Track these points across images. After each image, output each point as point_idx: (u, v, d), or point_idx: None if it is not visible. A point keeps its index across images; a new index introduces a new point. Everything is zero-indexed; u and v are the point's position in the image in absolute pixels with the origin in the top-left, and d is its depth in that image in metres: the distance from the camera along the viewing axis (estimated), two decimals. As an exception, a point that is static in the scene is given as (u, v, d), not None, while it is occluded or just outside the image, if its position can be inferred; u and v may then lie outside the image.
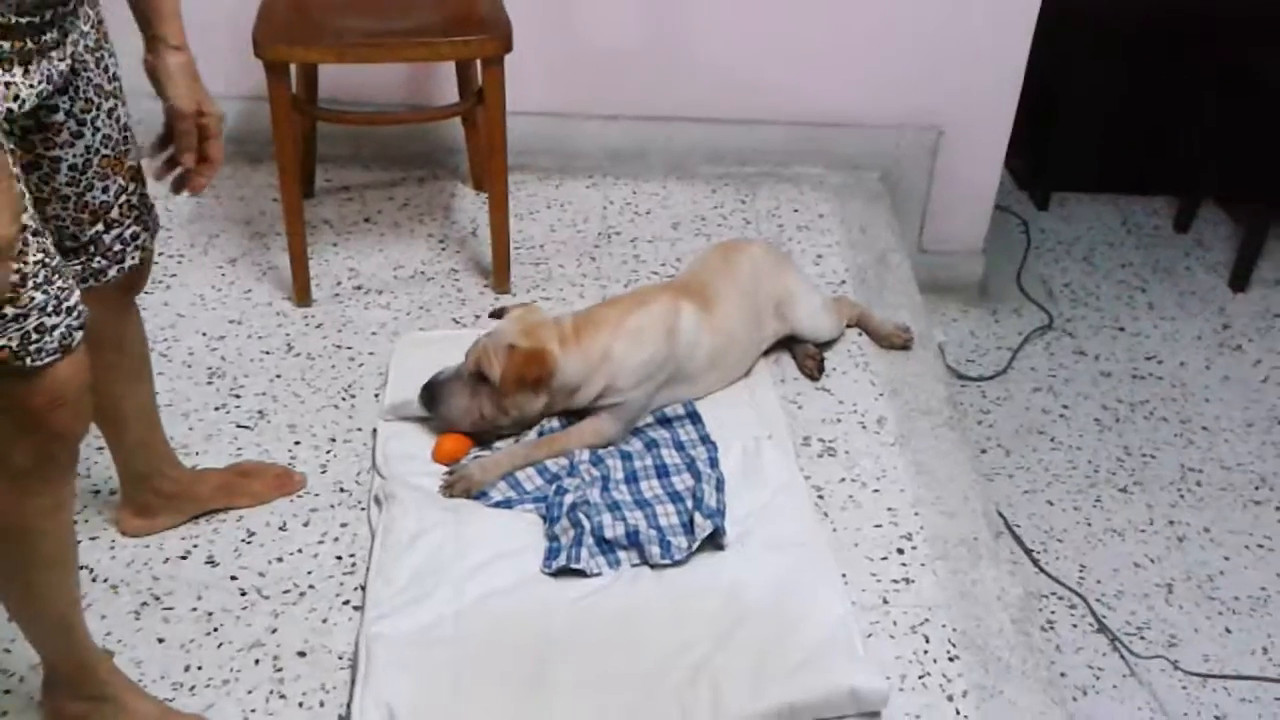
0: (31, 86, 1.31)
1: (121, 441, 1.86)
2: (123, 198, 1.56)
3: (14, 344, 1.24)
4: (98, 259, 1.58)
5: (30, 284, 1.24)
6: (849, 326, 2.47)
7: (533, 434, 2.10)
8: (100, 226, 1.55)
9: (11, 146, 1.37)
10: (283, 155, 2.34)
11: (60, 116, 1.43)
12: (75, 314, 1.30)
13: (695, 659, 1.72)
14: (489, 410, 2.04)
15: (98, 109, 1.47)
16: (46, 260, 1.27)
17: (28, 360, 1.25)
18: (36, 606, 1.49)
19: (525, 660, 1.71)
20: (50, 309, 1.26)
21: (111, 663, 1.61)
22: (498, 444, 2.09)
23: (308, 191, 2.78)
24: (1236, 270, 3.40)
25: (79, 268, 1.56)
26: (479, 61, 2.42)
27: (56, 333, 1.27)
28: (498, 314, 2.14)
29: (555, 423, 2.12)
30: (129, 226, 1.60)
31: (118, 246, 1.59)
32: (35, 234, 1.26)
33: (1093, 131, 3.57)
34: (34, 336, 1.25)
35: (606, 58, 2.92)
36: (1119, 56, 3.42)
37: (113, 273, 1.60)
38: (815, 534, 1.96)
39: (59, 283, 1.28)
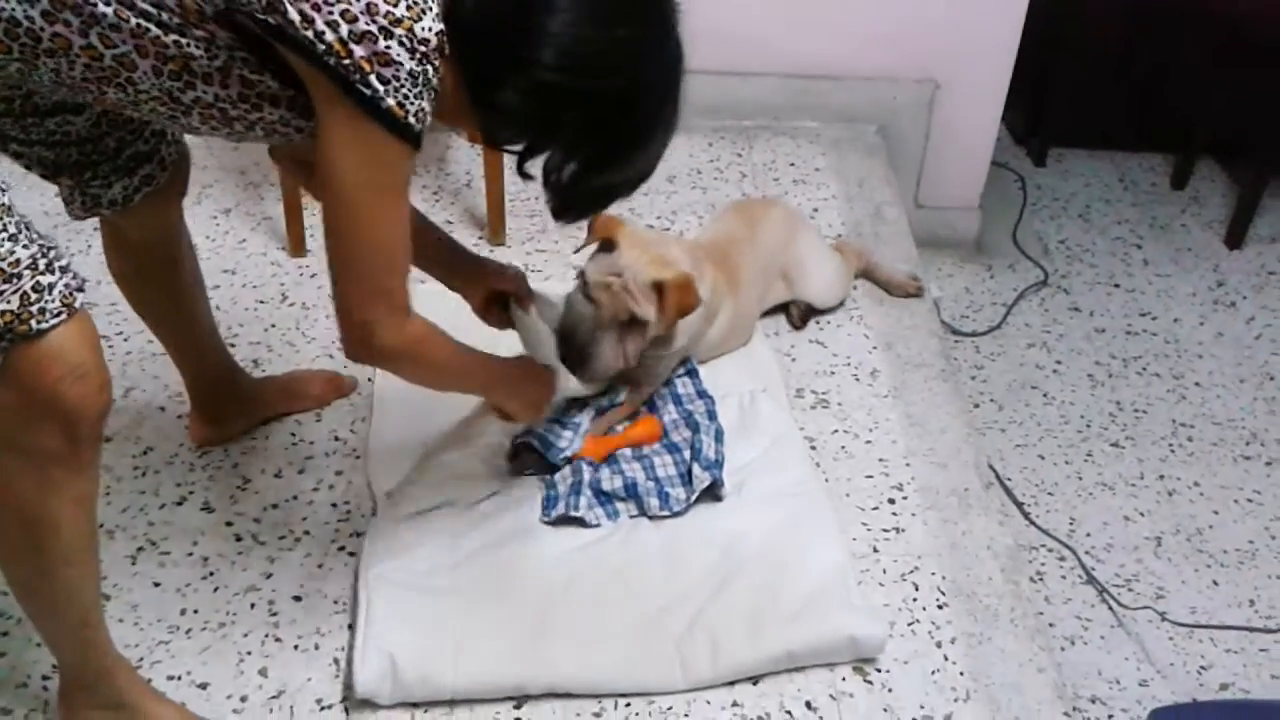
0: None
1: (191, 350, 1.93)
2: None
3: (14, 306, 1.18)
4: (145, 166, 1.63)
5: (5, 237, 1.19)
6: (856, 276, 2.47)
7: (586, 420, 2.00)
8: (123, 133, 1.58)
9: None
10: (277, 104, 2.33)
11: None
12: (71, 273, 1.25)
13: (694, 608, 1.73)
14: (633, 351, 1.92)
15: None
16: (11, 217, 1.21)
17: (33, 323, 1.20)
18: (56, 606, 1.43)
19: (525, 610, 1.72)
20: (41, 266, 1.21)
21: (131, 669, 1.57)
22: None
23: (302, 142, 2.76)
24: (1232, 227, 3.40)
25: (132, 182, 1.62)
26: (474, 10, 2.40)
27: (56, 291, 1.22)
28: (606, 246, 1.93)
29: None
30: (147, 131, 1.62)
31: (145, 147, 1.63)
32: None
33: (1091, 88, 3.56)
34: (32, 297, 1.19)
35: (603, 9, 2.89)
36: (1117, 12, 3.40)
37: (161, 176, 1.66)
38: (811, 484, 1.97)
39: (39, 240, 1.23)
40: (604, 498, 1.90)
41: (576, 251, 1.96)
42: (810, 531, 1.87)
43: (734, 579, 1.78)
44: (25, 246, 1.20)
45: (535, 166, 1.45)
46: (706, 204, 2.70)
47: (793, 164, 2.89)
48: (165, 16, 1.25)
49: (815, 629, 1.70)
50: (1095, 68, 3.50)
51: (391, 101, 1.25)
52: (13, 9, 1.22)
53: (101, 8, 1.23)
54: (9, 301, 1.18)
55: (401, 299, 1.42)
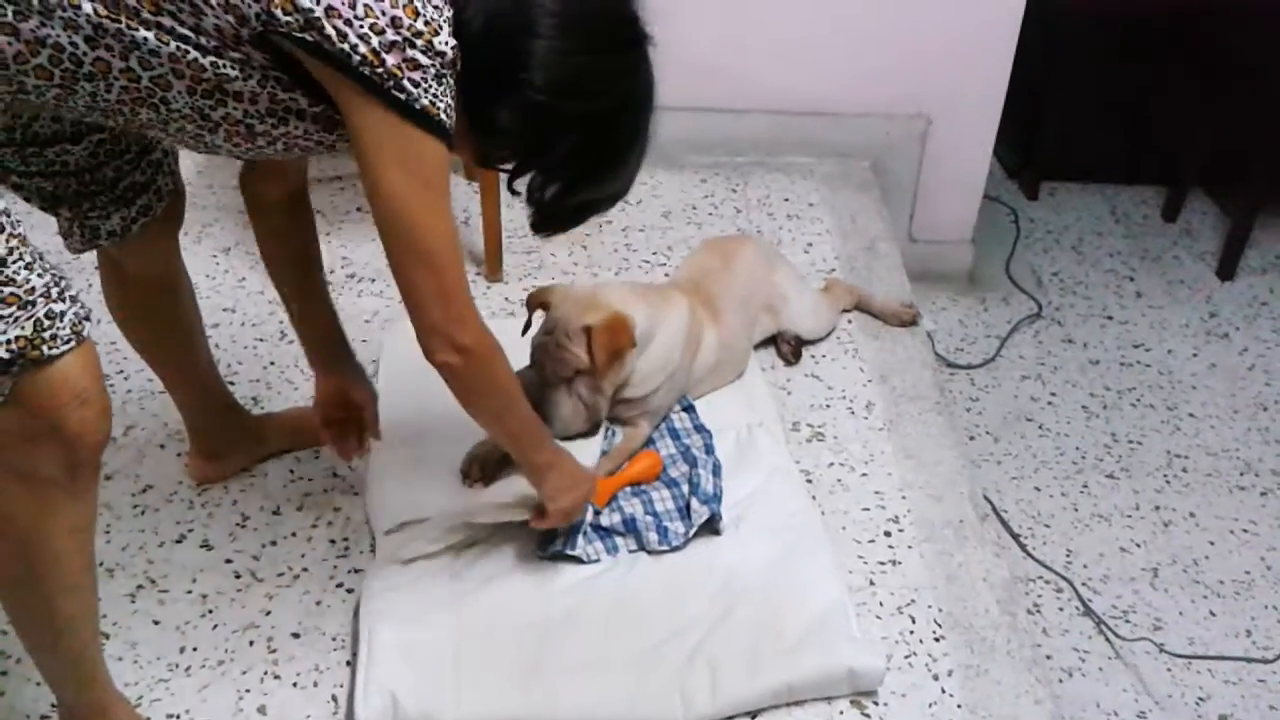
0: None
1: (190, 386, 1.94)
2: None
3: (28, 332, 1.22)
4: (142, 196, 1.65)
5: (21, 265, 1.22)
6: (848, 311, 2.49)
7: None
8: (120, 163, 1.60)
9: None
10: (276, 144, 2.35)
11: None
12: (79, 303, 1.28)
13: (694, 642, 1.74)
14: (590, 399, 1.98)
15: None
16: (27, 247, 1.25)
17: (45, 349, 1.23)
18: (53, 636, 1.44)
19: (525, 644, 1.73)
20: (54, 294, 1.25)
21: (130, 707, 1.58)
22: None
23: (301, 181, 2.79)
24: (1224, 259, 3.43)
25: (130, 213, 1.65)
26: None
27: (67, 319, 1.25)
28: (535, 306, 2.03)
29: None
30: (143, 161, 1.64)
31: (141, 178, 1.65)
32: (5, 214, 1.24)
33: (1082, 121, 3.59)
34: (45, 323, 1.23)
35: (597, 48, 2.93)
36: (1107, 46, 3.44)
37: (158, 206, 1.68)
38: (808, 517, 1.98)
39: (51, 270, 1.27)
40: (603, 533, 1.91)
41: (524, 334, 2.01)
42: (808, 564, 1.87)
43: (733, 612, 1.78)
44: (40, 275, 1.24)
45: (523, 183, 1.53)
46: (701, 239, 2.71)
47: (787, 199, 2.92)
48: (203, 40, 1.30)
49: (814, 661, 1.70)
50: (1086, 102, 3.54)
51: (425, 101, 1.33)
52: (58, 36, 1.26)
53: (142, 33, 1.27)
54: (24, 327, 1.22)
55: (468, 296, 1.48)
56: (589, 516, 1.89)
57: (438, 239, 1.41)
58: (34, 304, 1.22)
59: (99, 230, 1.65)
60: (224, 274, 2.55)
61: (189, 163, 1.74)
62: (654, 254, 2.69)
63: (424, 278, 1.42)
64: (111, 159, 1.59)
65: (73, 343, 1.26)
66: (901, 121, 3.03)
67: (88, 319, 1.29)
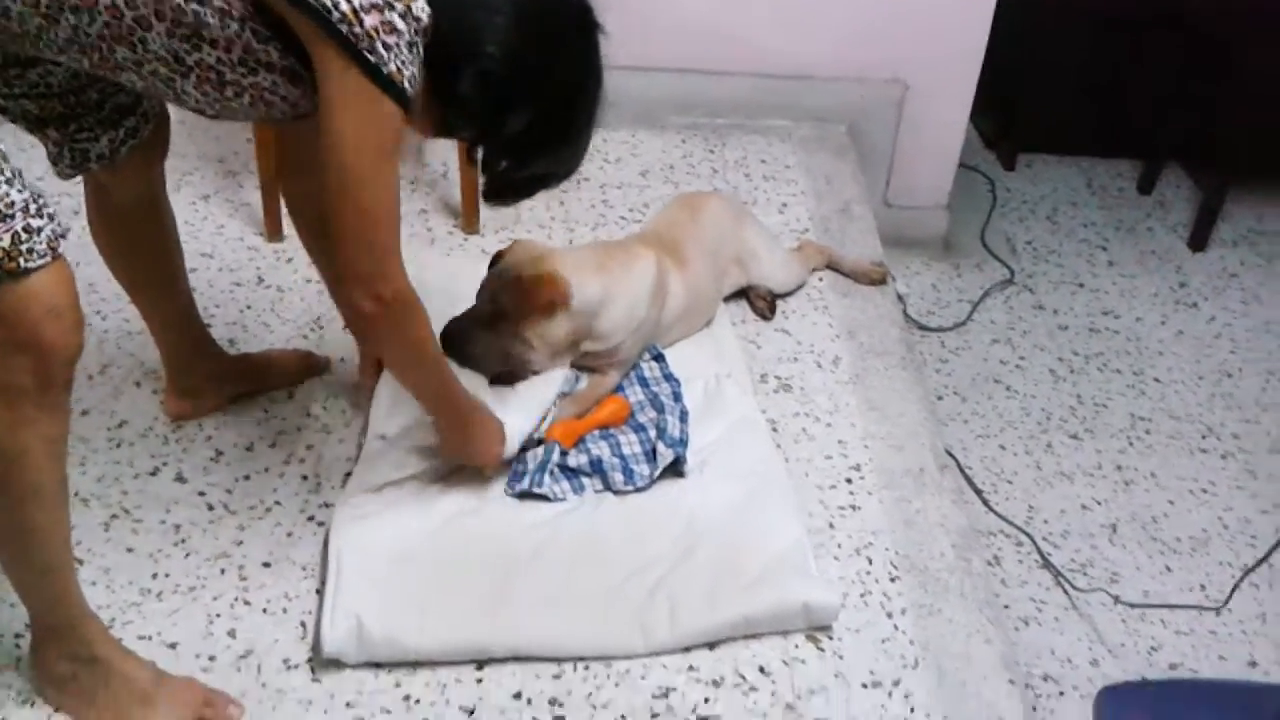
0: None
1: (170, 319, 1.99)
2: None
3: (6, 245, 1.24)
4: (129, 118, 1.69)
5: (1, 180, 1.25)
6: (818, 270, 2.53)
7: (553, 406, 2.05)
8: (104, 84, 1.63)
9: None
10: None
11: None
12: (56, 220, 1.31)
13: (655, 578, 1.78)
14: (513, 346, 1.99)
15: None
16: (7, 163, 1.28)
17: (21, 261, 1.26)
18: (28, 549, 1.47)
19: (490, 576, 1.77)
20: (33, 210, 1.28)
21: (102, 625, 1.60)
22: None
23: (282, 133, 2.81)
24: (1196, 231, 3.48)
25: (118, 135, 1.69)
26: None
27: (44, 234, 1.28)
28: (497, 258, 2.10)
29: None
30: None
31: (126, 99, 1.68)
32: None
33: (1061, 94, 3.64)
34: (23, 237, 1.26)
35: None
36: (1086, 19, 3.48)
37: (145, 129, 1.72)
38: (772, 463, 2.02)
39: (30, 188, 1.30)
40: (570, 473, 1.95)
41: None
42: (769, 507, 1.92)
43: (694, 551, 1.83)
44: (19, 191, 1.27)
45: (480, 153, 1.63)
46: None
47: (763, 161, 2.96)
48: None
49: (771, 596, 1.75)
50: (1065, 75, 3.58)
51: (393, 67, 1.40)
52: None
53: None
54: (1, 240, 1.25)
55: (398, 255, 1.54)
56: (555, 457, 1.93)
57: (380, 196, 1.48)
58: (12, 218, 1.25)
59: (88, 153, 1.68)
60: (203, 220, 2.58)
61: (170, 112, 1.77)
62: (630, 210, 2.73)
63: (360, 230, 1.48)
64: (95, 80, 1.62)
65: (48, 258, 1.29)
66: (878, 86, 3.06)
67: (63, 236, 1.32)
